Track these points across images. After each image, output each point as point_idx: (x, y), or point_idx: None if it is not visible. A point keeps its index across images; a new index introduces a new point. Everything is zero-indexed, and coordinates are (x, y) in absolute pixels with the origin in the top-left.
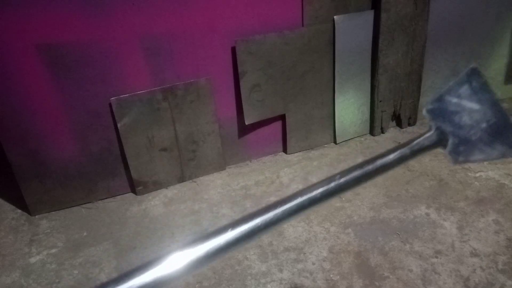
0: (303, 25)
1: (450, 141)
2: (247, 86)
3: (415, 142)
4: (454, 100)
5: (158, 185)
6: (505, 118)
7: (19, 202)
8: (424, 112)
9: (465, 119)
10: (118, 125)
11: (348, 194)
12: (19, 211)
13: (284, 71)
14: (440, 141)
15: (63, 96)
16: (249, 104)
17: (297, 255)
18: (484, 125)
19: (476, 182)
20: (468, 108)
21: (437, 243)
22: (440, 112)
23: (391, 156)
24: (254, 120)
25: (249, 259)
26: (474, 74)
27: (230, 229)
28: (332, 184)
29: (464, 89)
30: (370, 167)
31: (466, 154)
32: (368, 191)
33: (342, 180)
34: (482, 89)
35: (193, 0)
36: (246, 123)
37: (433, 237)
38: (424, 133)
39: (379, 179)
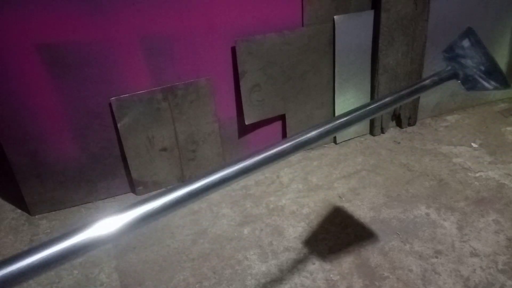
0: (303, 25)
1: (461, 75)
2: (247, 86)
3: (439, 72)
4: (460, 49)
5: (158, 185)
6: (494, 64)
7: (19, 202)
8: (442, 56)
9: (469, 62)
10: (118, 125)
11: (349, 194)
12: (19, 211)
13: (284, 71)
14: (454, 75)
15: (63, 96)
16: (249, 104)
17: (297, 255)
18: (481, 67)
19: (476, 182)
20: (470, 55)
21: (437, 243)
22: (452, 56)
23: (427, 81)
24: (254, 120)
25: (249, 259)
26: (470, 32)
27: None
28: (387, 99)
29: (465, 42)
30: (414, 87)
31: (472, 85)
32: (368, 191)
33: (392, 97)
34: (477, 42)
35: (193, 0)
36: (246, 123)
37: (433, 237)
38: (444, 69)
39: (379, 179)
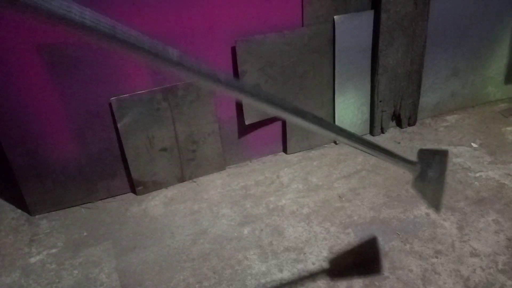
0: (303, 25)
1: (419, 171)
2: None
3: (409, 159)
4: (430, 158)
5: (158, 185)
6: (442, 190)
7: (19, 202)
8: (416, 153)
9: (430, 171)
10: (118, 125)
11: (349, 194)
12: (19, 211)
13: (284, 71)
14: (415, 167)
15: (63, 96)
16: (249, 104)
17: (297, 255)
18: (435, 182)
19: (476, 182)
20: (433, 168)
21: (437, 243)
22: (422, 156)
23: (397, 154)
24: (254, 120)
25: (249, 259)
26: (445, 154)
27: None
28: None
29: (437, 157)
30: (386, 149)
31: (419, 186)
32: (368, 191)
33: (364, 142)
34: (443, 164)
35: (193, 0)
36: (246, 123)
37: (433, 237)
38: (415, 159)
39: (379, 179)
